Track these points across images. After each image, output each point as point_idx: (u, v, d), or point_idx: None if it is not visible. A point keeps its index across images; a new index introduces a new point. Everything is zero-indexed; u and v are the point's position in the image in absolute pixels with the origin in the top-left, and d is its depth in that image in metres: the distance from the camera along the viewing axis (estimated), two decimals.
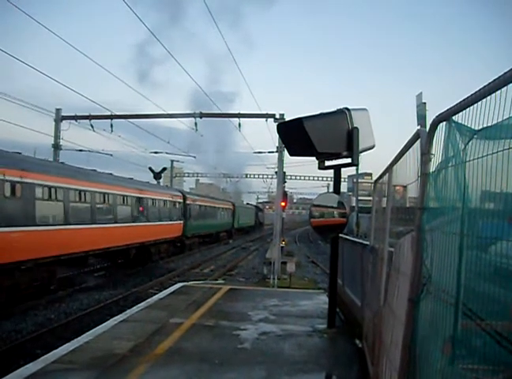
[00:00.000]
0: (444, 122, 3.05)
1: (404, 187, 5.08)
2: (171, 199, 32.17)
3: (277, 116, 24.60)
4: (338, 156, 8.77)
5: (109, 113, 26.38)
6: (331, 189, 9.88)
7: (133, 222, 24.60)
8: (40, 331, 12.44)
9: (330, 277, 9.73)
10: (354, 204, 49.18)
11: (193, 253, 35.80)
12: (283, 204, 27.45)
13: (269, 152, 30.34)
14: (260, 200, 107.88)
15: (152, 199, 28.21)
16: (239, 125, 26.73)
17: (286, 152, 15.25)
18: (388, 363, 4.17)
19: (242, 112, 26.52)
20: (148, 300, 11.97)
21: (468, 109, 2.59)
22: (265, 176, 62.21)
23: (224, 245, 47.63)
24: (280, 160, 25.65)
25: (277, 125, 9.87)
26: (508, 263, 2.25)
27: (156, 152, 37.77)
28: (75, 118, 26.91)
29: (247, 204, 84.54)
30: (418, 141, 3.66)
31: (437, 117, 3.13)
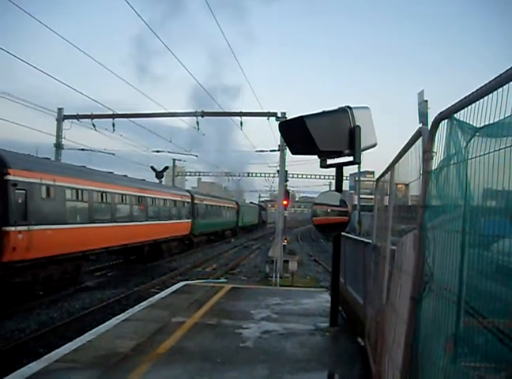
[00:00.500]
0: (446, 120, 3.04)
1: (406, 185, 5.07)
2: (180, 199, 33.88)
3: (279, 114, 24.59)
4: (340, 154, 8.76)
5: (111, 112, 26.41)
6: (333, 188, 9.86)
7: (146, 220, 26.23)
8: (43, 330, 12.46)
9: (332, 275, 9.72)
10: (356, 203, 49.14)
11: (195, 252, 35.80)
12: (285, 202, 27.45)
13: (271, 151, 30.39)
14: (262, 199, 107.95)
15: (164, 199, 30.11)
16: (241, 123, 26.73)
17: (288, 151, 15.26)
18: (390, 361, 4.17)
19: (243, 111, 26.54)
20: (151, 299, 11.98)
21: (469, 107, 2.59)
22: (267, 175, 62.29)
23: (227, 243, 47.63)
24: (282, 159, 25.65)
25: (279, 124, 9.88)
26: (510, 261, 2.25)
27: (158, 151, 37.81)
28: (77, 117, 26.94)
29: (251, 203, 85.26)
30: (420, 139, 3.65)
31: (439, 115, 3.13)
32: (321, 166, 9.27)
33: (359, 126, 8.38)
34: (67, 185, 17.80)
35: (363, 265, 8.69)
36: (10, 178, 14.41)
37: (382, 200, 6.81)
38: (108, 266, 25.52)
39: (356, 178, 54.49)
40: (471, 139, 2.62)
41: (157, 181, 39.14)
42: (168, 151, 38.84)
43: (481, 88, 2.40)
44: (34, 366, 6.59)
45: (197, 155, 44.07)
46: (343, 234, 10.17)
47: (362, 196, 52.16)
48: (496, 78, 2.25)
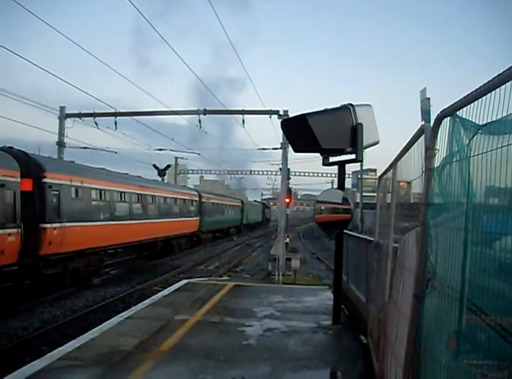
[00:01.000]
0: (448, 118, 3.04)
1: (409, 183, 5.07)
2: (189, 198, 35.93)
3: (281, 112, 24.55)
4: (342, 152, 8.76)
5: (113, 110, 26.37)
6: (335, 186, 9.86)
7: (159, 218, 27.93)
8: (46, 328, 12.49)
9: (335, 273, 9.73)
10: (358, 200, 49.11)
11: (197, 250, 35.84)
12: (287, 200, 27.42)
13: (274, 149, 30.34)
14: (264, 197, 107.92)
15: (174, 198, 32.12)
16: (243, 121, 26.67)
17: (290, 149, 15.23)
18: (393, 359, 4.18)
19: (246, 109, 26.50)
20: (153, 297, 12.00)
21: (472, 104, 2.59)
22: (269, 172, 62.27)
23: (229, 241, 47.65)
24: (285, 157, 25.62)
25: (281, 122, 9.87)
26: None
27: (160, 149, 37.80)
28: (79, 115, 26.92)
29: (255, 201, 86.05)
30: (422, 137, 3.65)
31: (441, 112, 3.12)
32: (324, 164, 9.27)
33: (361, 124, 8.37)
34: (92, 186, 19.83)
35: (366, 263, 8.70)
36: (46, 180, 16.19)
37: (385, 198, 6.81)
38: (116, 263, 26.16)
39: (359, 176, 54.51)
40: (473, 136, 2.62)
41: (160, 179, 39.16)
42: (170, 150, 38.82)
43: (483, 85, 2.40)
44: (37, 364, 6.61)
45: (199, 154, 44.08)
46: (345, 231, 10.17)
47: (364, 193, 52.16)
48: (498, 76, 2.25)
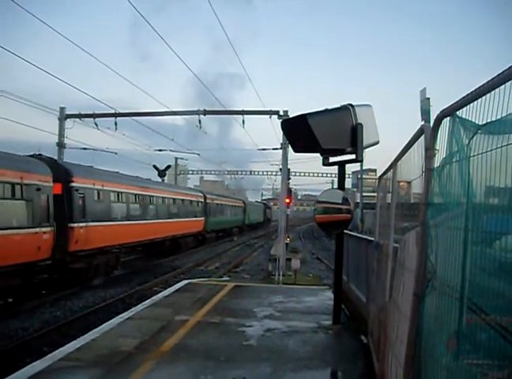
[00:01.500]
0: (448, 117, 3.04)
1: (409, 183, 5.07)
2: (195, 199, 37.92)
3: (281, 113, 24.55)
4: (342, 152, 8.76)
5: (113, 111, 26.36)
6: (335, 186, 9.86)
7: (169, 218, 29.88)
8: (47, 329, 12.49)
9: (335, 273, 9.73)
10: (358, 200, 49.13)
11: (197, 251, 35.85)
12: (287, 200, 27.41)
13: (274, 149, 30.33)
14: (264, 197, 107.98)
15: (182, 199, 34.10)
16: (243, 121, 26.65)
17: (290, 149, 15.23)
18: (393, 359, 4.18)
19: (245, 109, 26.49)
20: (154, 298, 12.00)
21: (472, 104, 2.59)
22: (269, 173, 62.28)
23: (229, 242, 47.66)
24: (285, 157, 25.61)
25: (281, 122, 9.87)
26: None
27: (160, 150, 37.79)
28: (79, 116, 26.91)
29: (256, 201, 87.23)
30: (422, 137, 3.65)
31: (441, 112, 3.12)
32: (324, 164, 9.27)
33: (361, 124, 8.37)
34: (112, 189, 21.84)
35: (366, 263, 8.70)
36: (74, 184, 18.20)
37: (385, 198, 6.81)
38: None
39: (359, 176, 54.52)
40: (473, 136, 2.62)
41: (160, 180, 39.18)
42: (170, 150, 38.83)
43: (483, 85, 2.40)
44: (38, 365, 6.62)
45: (199, 154, 44.09)
46: (345, 231, 10.17)
47: (364, 193, 52.18)
48: (498, 75, 2.25)
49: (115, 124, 26.57)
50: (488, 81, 2.35)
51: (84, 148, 29.84)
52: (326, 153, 9.03)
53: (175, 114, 28.00)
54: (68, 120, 27.02)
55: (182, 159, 50.54)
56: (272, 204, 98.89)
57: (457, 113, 2.87)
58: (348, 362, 7.38)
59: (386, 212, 6.13)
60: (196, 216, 37.05)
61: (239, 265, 28.66)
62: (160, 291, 14.08)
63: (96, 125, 26.62)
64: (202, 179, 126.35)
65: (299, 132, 8.57)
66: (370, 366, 6.39)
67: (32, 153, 17.43)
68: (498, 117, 2.23)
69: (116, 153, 32.88)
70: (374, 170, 78.15)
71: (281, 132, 11.87)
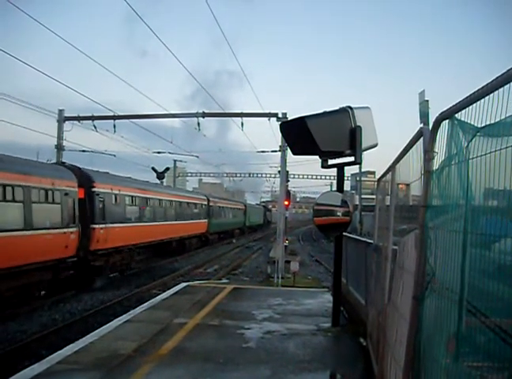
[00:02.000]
0: (447, 120, 3.04)
1: (407, 185, 5.07)
2: (199, 202, 39.68)
3: (280, 115, 24.56)
4: (341, 155, 8.76)
5: (112, 113, 26.36)
6: (334, 188, 9.86)
7: (176, 220, 31.76)
8: (45, 331, 12.46)
9: (334, 276, 9.73)
10: (357, 203, 49.11)
11: (196, 253, 35.83)
12: (286, 203, 27.41)
13: (272, 151, 30.32)
14: (263, 200, 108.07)
15: (187, 202, 35.89)
16: (242, 124, 26.66)
17: (289, 151, 15.21)
18: (393, 361, 4.17)
19: (244, 111, 26.50)
20: (152, 300, 11.99)
21: (471, 107, 2.59)
22: (268, 175, 62.28)
23: (228, 244, 47.68)
24: (283, 159, 25.61)
25: (280, 125, 9.88)
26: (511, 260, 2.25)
27: (158, 152, 37.74)
28: (78, 118, 26.90)
29: (257, 204, 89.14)
30: (421, 139, 3.65)
31: (440, 115, 3.13)
32: (323, 167, 9.28)
33: (360, 126, 8.38)
34: (126, 193, 23.64)
35: (365, 265, 8.70)
36: (95, 189, 19.94)
37: (384, 200, 6.81)
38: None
39: (357, 178, 54.49)
40: (472, 139, 2.62)
41: (158, 182, 39.13)
42: (169, 152, 38.79)
43: (482, 88, 2.40)
44: (36, 368, 6.61)
45: (198, 156, 44.08)
46: (344, 234, 10.17)
47: (363, 196, 52.16)
48: (497, 78, 2.25)
49: (114, 126, 26.57)
50: (487, 84, 2.35)
51: (83, 151, 29.81)
52: (325, 155, 9.03)
53: (173, 116, 28.01)
54: (67, 122, 27.03)
55: (180, 161, 50.57)
56: (271, 206, 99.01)
57: (456, 115, 2.87)
58: (347, 365, 7.38)
59: (385, 214, 6.13)
60: (200, 218, 38.76)
61: (237, 268, 28.63)
62: (159, 294, 14.07)
63: (95, 127, 26.64)
64: (201, 181, 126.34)
65: (298, 134, 8.57)
66: (369, 369, 6.39)
67: (55, 161, 20.04)
68: (497, 119, 2.24)
69: (115, 155, 32.84)
70: (373, 173, 78.25)
71: (280, 134, 11.87)
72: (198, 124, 26.70)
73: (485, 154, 2.39)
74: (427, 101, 26.83)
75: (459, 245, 2.70)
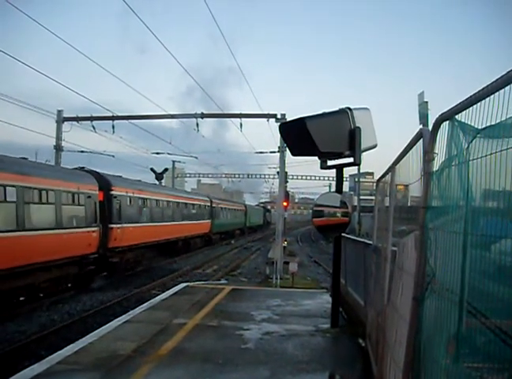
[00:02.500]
0: (447, 121, 3.05)
1: (406, 186, 5.08)
2: (203, 203, 41.62)
3: (279, 116, 24.57)
4: (340, 156, 8.76)
5: (110, 114, 26.35)
6: (333, 189, 9.87)
7: (182, 221, 33.53)
8: (44, 332, 12.45)
9: (333, 276, 9.73)
10: (356, 204, 49.13)
11: (194, 254, 35.82)
12: (285, 203, 27.42)
13: (271, 152, 30.36)
14: (262, 200, 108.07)
15: (192, 204, 37.80)
16: (241, 125, 26.68)
17: (287, 152, 15.21)
18: (392, 362, 4.18)
19: (243, 112, 26.52)
20: (152, 301, 11.99)
21: (471, 108, 2.59)
22: (266, 176, 62.28)
23: (227, 245, 47.70)
24: (282, 160, 25.62)
25: (279, 125, 9.88)
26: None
27: (157, 153, 37.75)
28: (76, 119, 26.91)
29: (256, 205, 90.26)
30: (421, 140, 3.66)
31: (440, 116, 3.13)
32: (322, 168, 9.27)
33: (359, 127, 8.38)
34: (140, 195, 25.65)
35: (364, 266, 8.70)
36: (113, 192, 21.99)
37: (383, 201, 6.81)
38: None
39: (356, 179, 54.53)
40: (472, 140, 2.62)
41: (157, 183, 39.12)
42: (168, 153, 38.83)
43: (483, 89, 2.41)
44: (36, 368, 6.61)
45: (196, 157, 44.09)
46: (343, 235, 10.18)
47: (361, 197, 52.19)
48: (498, 80, 2.26)
49: (113, 127, 26.60)
50: (488, 85, 2.35)
51: (82, 151, 29.83)
52: (324, 156, 9.03)
53: (172, 117, 28.01)
54: (65, 123, 27.04)
55: (179, 162, 50.56)
56: (269, 207, 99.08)
57: (457, 117, 2.87)
58: (346, 366, 7.38)
59: (385, 215, 6.13)
60: (204, 219, 40.71)
61: (236, 268, 28.63)
62: (158, 294, 14.07)
63: (94, 127, 26.65)
64: (199, 182, 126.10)
65: (297, 135, 8.57)
66: (368, 369, 6.39)
67: (76, 167, 21.34)
68: (498, 121, 2.24)
69: (113, 156, 32.88)
70: (372, 174, 78.29)
71: (279, 135, 11.87)
72: (197, 125, 26.72)
73: (486, 155, 2.39)
74: (427, 102, 26.87)
75: (459, 246, 2.70)
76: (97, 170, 21.83)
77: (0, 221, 14.13)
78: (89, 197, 19.37)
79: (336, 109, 8.67)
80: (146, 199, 26.74)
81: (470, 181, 2.64)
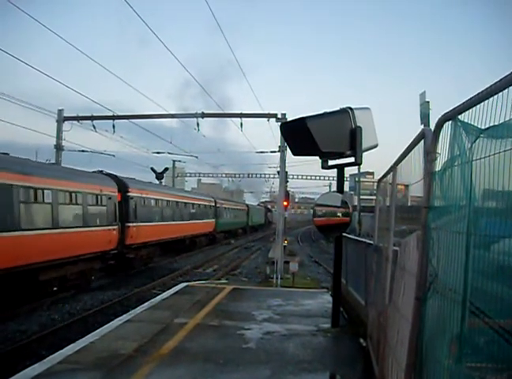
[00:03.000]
0: (450, 121, 3.04)
1: (406, 186, 5.08)
2: (208, 203, 43.55)
3: (279, 116, 24.57)
4: (341, 156, 8.76)
5: (111, 113, 26.36)
6: (333, 189, 9.87)
7: (190, 220, 35.78)
8: (45, 331, 12.45)
9: (334, 276, 9.73)
10: (356, 203, 49.10)
11: (195, 254, 35.84)
12: (285, 203, 27.42)
13: (271, 152, 30.35)
14: (262, 200, 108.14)
15: (199, 204, 39.86)
16: (241, 124, 26.66)
17: (288, 151, 15.22)
18: (394, 362, 4.18)
19: (244, 112, 26.50)
20: (152, 300, 11.99)
21: (474, 108, 2.59)
22: (267, 175, 62.25)
23: (227, 244, 47.73)
24: (283, 160, 25.61)
25: (280, 125, 9.88)
26: None
27: (158, 153, 37.74)
28: (77, 118, 26.90)
29: (258, 205, 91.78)
30: (423, 140, 3.66)
31: (443, 116, 3.13)
32: (323, 168, 9.27)
33: (360, 127, 8.38)
34: (152, 196, 27.67)
35: (365, 266, 8.70)
36: (129, 194, 24.08)
37: (384, 201, 6.81)
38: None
39: (356, 179, 54.50)
40: (475, 140, 2.62)
41: (158, 182, 39.11)
42: (168, 153, 38.82)
43: (486, 89, 2.41)
44: (37, 367, 6.60)
45: (197, 157, 44.09)
46: (344, 235, 10.17)
47: (362, 196, 52.17)
48: (501, 80, 2.25)
49: (113, 126, 26.60)
50: (491, 85, 2.35)
51: (82, 151, 29.82)
52: (325, 156, 9.03)
53: (172, 116, 28.02)
54: (66, 122, 27.04)
55: (179, 161, 50.56)
56: (270, 206, 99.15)
57: (459, 117, 2.87)
58: (347, 365, 7.38)
59: (386, 215, 6.13)
60: (208, 218, 42.72)
61: (236, 268, 28.64)
62: (159, 294, 14.06)
63: (94, 127, 26.65)
64: (200, 182, 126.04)
65: (298, 135, 8.57)
66: (369, 369, 6.39)
67: (94, 170, 22.80)
68: (501, 121, 2.24)
69: (114, 155, 32.87)
70: (372, 173, 78.27)
71: (279, 135, 11.87)
72: (198, 124, 26.71)
73: (489, 155, 2.39)
74: (428, 102, 26.85)
75: (462, 246, 2.70)
76: (115, 174, 23.65)
77: (40, 220, 15.87)
78: (110, 198, 21.33)
79: (337, 109, 8.67)
80: (158, 199, 28.83)
81: (473, 181, 2.63)
